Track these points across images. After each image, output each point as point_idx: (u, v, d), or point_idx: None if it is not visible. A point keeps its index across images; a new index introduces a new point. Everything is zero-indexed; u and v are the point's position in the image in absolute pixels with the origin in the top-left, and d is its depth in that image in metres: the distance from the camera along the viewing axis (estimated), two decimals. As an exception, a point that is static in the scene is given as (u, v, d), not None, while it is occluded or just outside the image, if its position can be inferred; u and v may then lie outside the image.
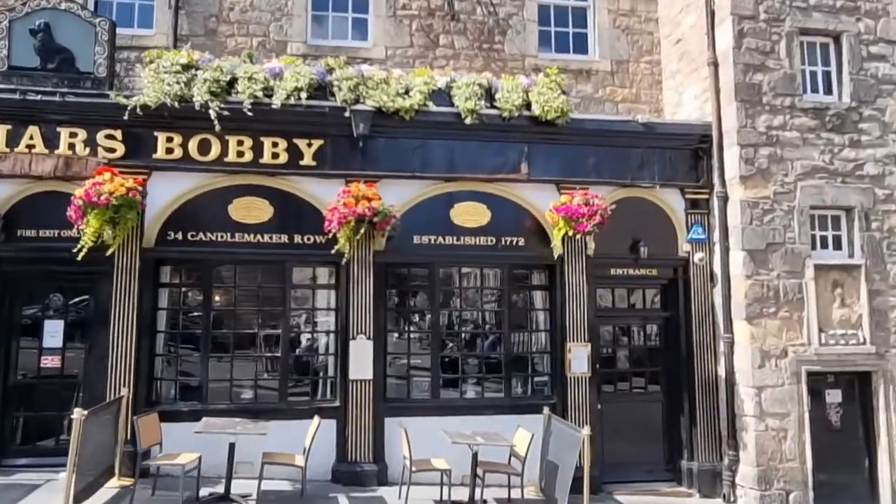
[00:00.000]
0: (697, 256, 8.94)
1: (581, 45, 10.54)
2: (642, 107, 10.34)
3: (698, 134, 9.03)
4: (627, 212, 8.84)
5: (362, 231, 7.75)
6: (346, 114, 8.17)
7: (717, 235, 8.86)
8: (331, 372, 8.37)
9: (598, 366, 8.73)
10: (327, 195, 8.10)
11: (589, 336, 8.60)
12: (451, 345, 8.86)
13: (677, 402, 8.94)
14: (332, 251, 7.91)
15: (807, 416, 8.32)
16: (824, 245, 8.80)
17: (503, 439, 7.42)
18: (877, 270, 8.67)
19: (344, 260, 7.99)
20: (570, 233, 8.24)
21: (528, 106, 8.62)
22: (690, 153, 9.12)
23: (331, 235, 7.95)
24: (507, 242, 8.67)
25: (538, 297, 9.04)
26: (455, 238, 8.58)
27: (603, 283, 9.00)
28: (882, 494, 8.48)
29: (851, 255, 8.74)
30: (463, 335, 8.87)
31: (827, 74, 9.10)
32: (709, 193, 9.00)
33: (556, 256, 8.53)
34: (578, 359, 8.47)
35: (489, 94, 8.65)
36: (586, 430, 6.84)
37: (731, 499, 8.38)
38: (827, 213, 8.82)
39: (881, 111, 8.97)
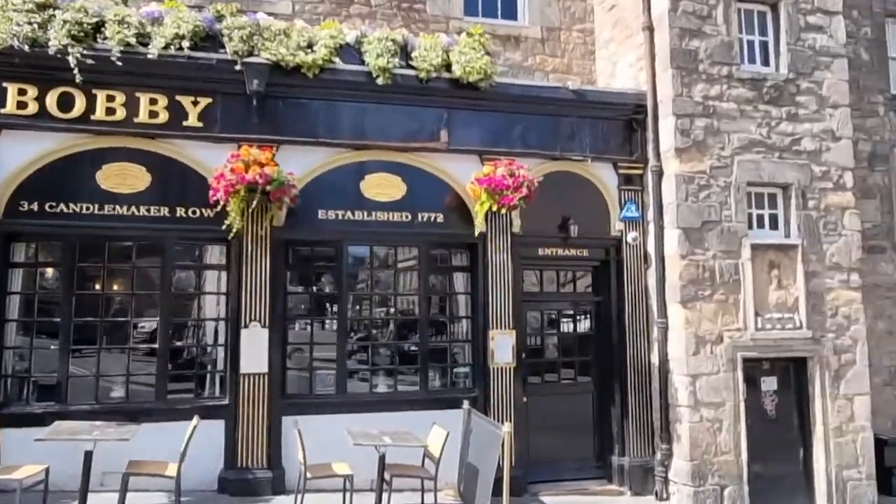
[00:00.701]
0: (631, 236, 8.30)
1: (510, 10, 9.77)
2: (574, 77, 9.61)
3: (632, 104, 8.37)
4: (556, 187, 8.12)
5: (255, 202, 6.72)
6: (238, 67, 7.09)
7: (651, 213, 8.23)
8: (220, 365, 7.27)
9: (524, 355, 7.97)
10: (216, 162, 6.98)
11: (514, 323, 7.82)
12: (360, 333, 7.91)
13: (609, 394, 8.29)
14: (223, 227, 6.85)
15: (742, 405, 7.80)
16: (761, 224, 8.31)
17: (415, 439, 6.55)
18: (813, 251, 8.23)
19: (231, 235, 6.92)
20: (494, 207, 7.42)
21: (448, 67, 7.75)
22: (624, 125, 8.46)
23: (220, 208, 6.89)
24: (425, 219, 7.77)
25: (459, 280, 8.19)
26: (366, 213, 7.62)
27: (530, 264, 8.24)
28: (818, 486, 8.06)
29: (788, 235, 8.27)
30: (374, 322, 7.92)
31: (764, 44, 8.61)
32: (643, 168, 8.38)
33: (478, 234, 7.70)
34: (502, 347, 7.68)
35: (405, 53, 7.72)
36: (507, 427, 6.05)
37: (664, 496, 7.78)
38: (763, 190, 8.32)
39: (818, 84, 8.53)
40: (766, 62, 8.54)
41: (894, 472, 8.90)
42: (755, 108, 8.24)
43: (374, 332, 7.88)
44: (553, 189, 8.05)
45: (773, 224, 8.36)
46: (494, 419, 7.47)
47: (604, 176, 8.39)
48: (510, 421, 7.52)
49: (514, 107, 8.06)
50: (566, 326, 8.66)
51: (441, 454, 6.52)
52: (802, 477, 8.15)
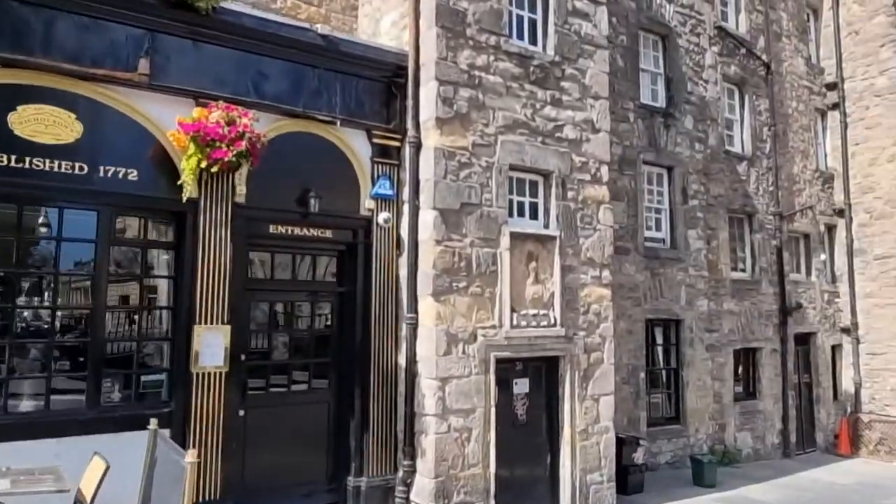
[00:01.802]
0: (382, 217, 7.11)
1: (258, -62, 8.05)
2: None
3: (393, 64, 7.21)
4: (296, 150, 6.67)
5: None
6: None
7: (407, 193, 7.14)
8: None
9: (243, 357, 6.35)
10: None
11: (231, 316, 6.14)
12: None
13: (348, 402, 6.98)
14: None
15: (493, 411, 7.04)
16: (521, 213, 7.69)
17: (57, 479, 4.56)
18: (570, 244, 7.82)
19: None
20: (204, 164, 5.69)
21: (155, -25, 5.85)
22: (383, 87, 7.26)
23: None
24: (110, 173, 5.75)
25: (160, 259, 6.29)
26: (15, 159, 5.38)
27: (258, 244, 6.64)
28: (563, 493, 7.62)
29: (547, 226, 7.76)
30: (20, 313, 5.65)
31: (533, 23, 8.04)
32: (401, 141, 7.25)
33: (186, 200, 5.89)
34: (210, 347, 5.96)
35: (92, -55, 5.64)
36: (191, 456, 4.37)
37: (405, 520, 6.71)
38: (526, 176, 7.71)
39: (582, 72, 8.20)
40: (533, 41, 7.97)
41: (630, 470, 8.91)
42: (521, 87, 7.61)
43: (18, 325, 5.59)
44: (292, 153, 6.59)
45: (534, 214, 7.80)
46: (196, 440, 5.75)
47: (355, 144, 7.10)
48: (217, 441, 5.92)
49: (247, 44, 6.41)
50: (302, 322, 7.19)
51: (94, 496, 4.62)
52: (549, 484, 7.67)
